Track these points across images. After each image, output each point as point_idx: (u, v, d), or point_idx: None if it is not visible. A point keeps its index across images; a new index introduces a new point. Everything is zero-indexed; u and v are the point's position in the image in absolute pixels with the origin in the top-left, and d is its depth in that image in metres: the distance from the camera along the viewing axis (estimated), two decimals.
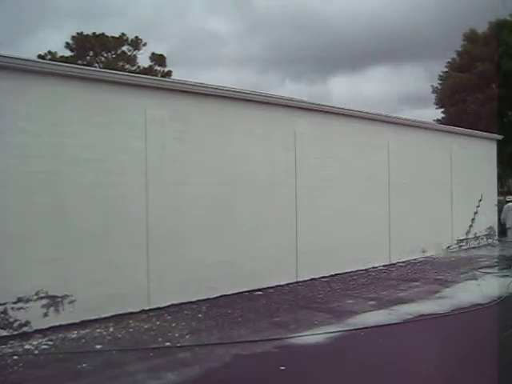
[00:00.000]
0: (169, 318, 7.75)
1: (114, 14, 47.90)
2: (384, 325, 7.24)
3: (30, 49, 41.04)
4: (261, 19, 53.50)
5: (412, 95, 51.79)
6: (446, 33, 44.12)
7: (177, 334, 6.84)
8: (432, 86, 32.81)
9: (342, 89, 56.23)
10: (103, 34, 35.75)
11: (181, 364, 5.73)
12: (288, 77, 57.42)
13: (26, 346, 6.35)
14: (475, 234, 16.33)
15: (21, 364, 5.73)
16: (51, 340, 6.60)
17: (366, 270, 11.99)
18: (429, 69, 51.35)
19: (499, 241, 17.43)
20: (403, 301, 8.73)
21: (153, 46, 45.28)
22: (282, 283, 10.19)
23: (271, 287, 9.90)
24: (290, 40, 51.93)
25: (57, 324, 7.16)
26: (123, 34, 36.65)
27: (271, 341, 6.52)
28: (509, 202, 13.77)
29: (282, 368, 5.58)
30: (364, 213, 12.26)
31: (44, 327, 7.02)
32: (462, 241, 15.88)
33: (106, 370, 5.56)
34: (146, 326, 7.26)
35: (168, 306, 8.31)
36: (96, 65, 34.17)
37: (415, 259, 13.67)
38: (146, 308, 8.13)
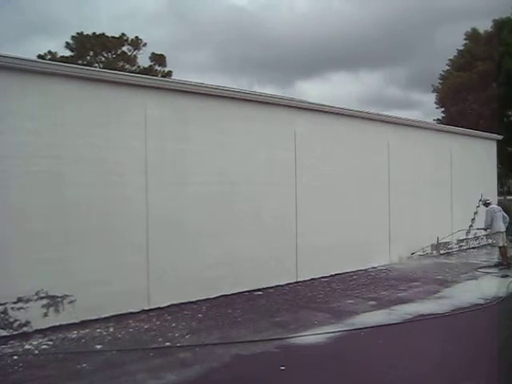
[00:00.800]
0: (169, 318, 7.76)
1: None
2: (384, 325, 7.24)
3: (30, 49, 41.03)
4: (211, 29, 53.53)
5: (371, 98, 53.09)
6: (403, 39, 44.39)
7: (177, 334, 6.84)
8: (432, 85, 32.90)
9: (306, 92, 57.36)
10: (103, 34, 35.77)
11: (181, 364, 5.74)
12: (255, 82, 57.73)
13: (26, 346, 6.36)
14: (475, 234, 16.31)
15: (21, 364, 5.74)
16: (51, 340, 6.61)
17: (365, 270, 11.99)
18: (385, 74, 52.34)
19: None
20: (403, 301, 8.74)
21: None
22: (281, 283, 10.19)
23: (271, 287, 9.90)
24: (249, 48, 52.23)
25: (57, 324, 7.17)
26: (123, 34, 36.70)
27: (271, 341, 6.52)
28: (489, 203, 12.84)
29: (282, 368, 5.58)
30: (364, 213, 12.26)
31: (44, 327, 7.03)
32: (462, 241, 15.87)
33: (106, 369, 5.57)
34: (145, 326, 7.26)
35: (168, 306, 8.31)
36: (96, 65, 34.19)
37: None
38: (146, 308, 8.13)
